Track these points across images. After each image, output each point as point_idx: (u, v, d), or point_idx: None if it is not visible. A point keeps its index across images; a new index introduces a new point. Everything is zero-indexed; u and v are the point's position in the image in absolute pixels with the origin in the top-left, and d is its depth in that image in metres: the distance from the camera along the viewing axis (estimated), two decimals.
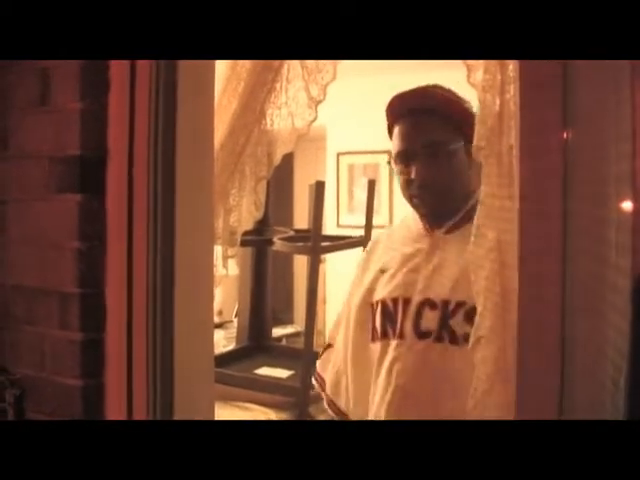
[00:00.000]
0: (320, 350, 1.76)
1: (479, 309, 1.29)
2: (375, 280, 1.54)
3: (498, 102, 1.32)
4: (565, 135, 1.02)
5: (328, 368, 1.66)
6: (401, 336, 1.43)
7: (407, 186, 1.50)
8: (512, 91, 1.30)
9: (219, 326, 4.37)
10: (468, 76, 1.36)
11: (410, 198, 1.52)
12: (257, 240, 3.06)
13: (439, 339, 1.39)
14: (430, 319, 1.41)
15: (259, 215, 1.73)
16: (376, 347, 1.49)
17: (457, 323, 1.38)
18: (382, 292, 1.51)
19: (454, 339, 1.38)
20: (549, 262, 1.02)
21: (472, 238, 1.31)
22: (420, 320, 1.42)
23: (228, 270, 1.92)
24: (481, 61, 1.32)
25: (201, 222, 1.43)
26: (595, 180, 1.05)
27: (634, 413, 0.96)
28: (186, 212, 1.35)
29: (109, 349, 1.34)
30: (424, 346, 1.41)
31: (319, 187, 2.43)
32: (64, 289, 1.35)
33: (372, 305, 1.52)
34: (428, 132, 1.48)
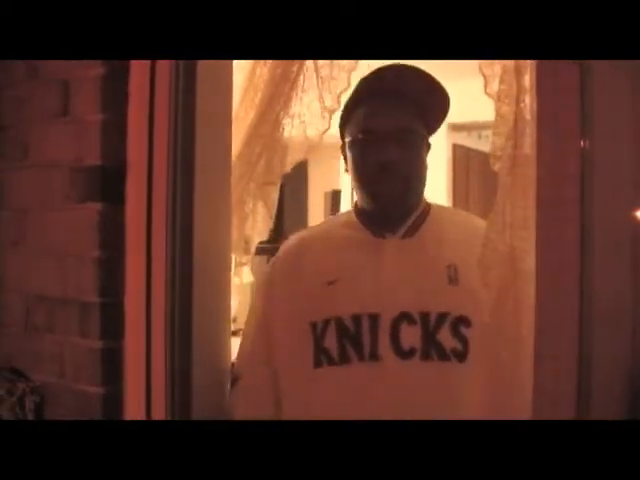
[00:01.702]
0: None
1: (492, 319, 1.27)
2: (318, 295, 1.31)
3: (514, 112, 1.32)
4: (583, 141, 1.02)
5: (242, 406, 1.37)
6: (374, 357, 1.24)
7: (373, 171, 1.30)
8: (527, 101, 1.30)
9: (234, 333, 4.38)
10: (485, 86, 1.36)
11: (374, 186, 1.33)
12: (271, 248, 3.06)
13: (426, 357, 1.24)
14: (411, 335, 1.24)
15: (271, 223, 1.74)
16: (326, 373, 1.27)
17: (443, 337, 1.24)
18: (333, 308, 1.28)
19: (443, 355, 1.24)
20: (567, 270, 1.02)
21: (485, 244, 1.30)
22: (399, 338, 1.24)
23: (242, 278, 1.93)
24: (498, 71, 1.32)
25: (219, 231, 1.45)
26: (614, 186, 1.05)
27: None
28: (204, 221, 1.37)
29: (128, 357, 1.36)
30: (411, 366, 1.24)
31: (335, 196, 2.45)
32: (84, 298, 1.37)
33: (313, 325, 1.28)
34: (404, 117, 1.33)
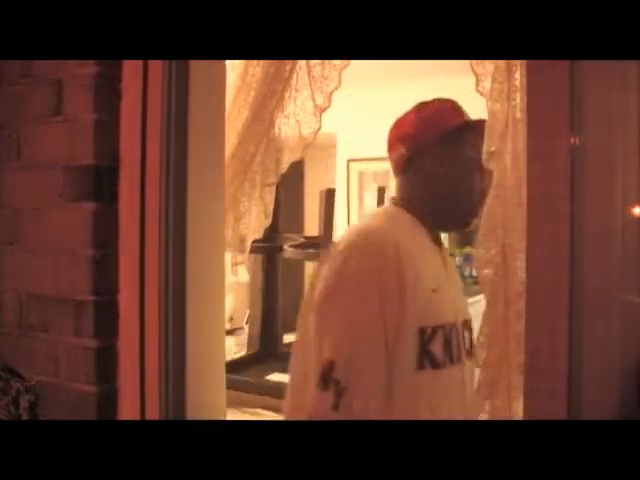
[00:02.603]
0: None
1: (484, 313, 1.30)
2: (427, 301, 1.32)
3: (506, 110, 1.33)
4: (573, 139, 1.03)
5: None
6: (460, 361, 1.36)
7: (477, 194, 1.40)
8: (518, 99, 1.31)
9: (230, 333, 4.38)
10: (477, 84, 1.37)
11: (475, 206, 1.41)
12: (267, 247, 3.08)
13: (470, 357, 1.42)
14: (466, 339, 1.41)
15: (268, 222, 1.75)
16: (427, 375, 1.30)
17: (468, 339, 1.42)
18: (440, 316, 1.33)
19: (470, 355, 1.42)
20: (557, 265, 1.03)
21: (478, 241, 1.32)
22: (464, 342, 1.40)
23: (238, 276, 1.94)
24: (489, 69, 1.33)
25: (212, 229, 1.45)
26: (603, 183, 1.05)
27: None
28: (197, 220, 1.37)
29: (122, 355, 1.36)
30: (469, 367, 1.42)
31: (329, 194, 2.45)
32: (78, 296, 1.37)
33: (422, 330, 1.29)
34: None
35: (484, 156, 1.35)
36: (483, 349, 1.34)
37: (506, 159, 1.35)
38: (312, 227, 5.21)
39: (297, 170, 6.06)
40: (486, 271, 1.35)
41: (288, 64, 1.53)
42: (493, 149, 1.35)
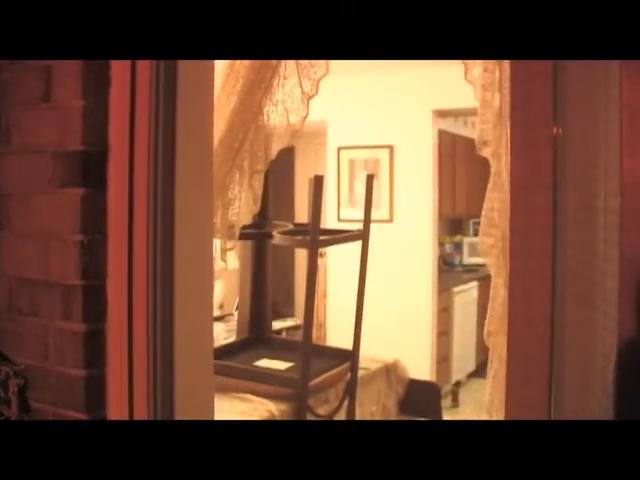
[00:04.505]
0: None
1: (491, 297, 1.34)
2: None
3: (498, 99, 1.34)
4: (555, 130, 1.04)
5: None
6: None
7: None
8: (508, 87, 1.32)
9: (220, 319, 4.40)
10: (465, 73, 1.38)
11: None
12: (256, 234, 3.09)
13: None
14: None
15: (256, 209, 1.76)
16: None
17: None
18: None
19: None
20: (539, 256, 1.04)
21: (480, 229, 1.35)
22: None
23: (227, 263, 1.95)
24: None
25: (200, 216, 1.46)
26: (584, 175, 1.07)
27: (622, 409, 0.98)
28: (185, 206, 1.38)
29: (111, 340, 1.37)
30: None
31: (317, 181, 2.45)
32: (67, 281, 1.38)
33: None
34: None
35: (478, 144, 1.36)
36: (492, 332, 1.36)
37: (502, 147, 1.36)
38: (303, 215, 5.22)
39: (288, 158, 6.06)
40: (490, 258, 1.37)
41: None
42: (488, 138, 1.36)
